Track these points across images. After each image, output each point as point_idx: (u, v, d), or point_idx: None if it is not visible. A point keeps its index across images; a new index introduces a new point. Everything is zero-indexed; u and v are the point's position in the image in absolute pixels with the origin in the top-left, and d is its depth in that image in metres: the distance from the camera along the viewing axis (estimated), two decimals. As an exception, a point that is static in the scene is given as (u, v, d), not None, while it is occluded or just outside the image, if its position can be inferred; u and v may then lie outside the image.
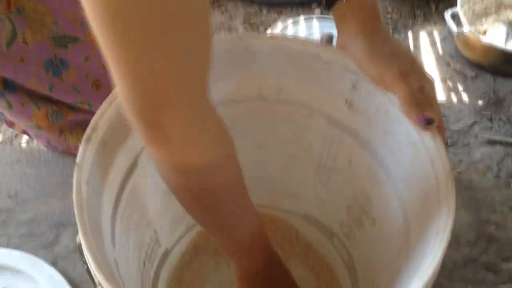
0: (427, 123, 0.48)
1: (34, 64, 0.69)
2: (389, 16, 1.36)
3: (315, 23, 1.26)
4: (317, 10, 1.30)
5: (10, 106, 0.73)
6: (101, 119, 0.47)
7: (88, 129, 0.46)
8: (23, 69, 0.69)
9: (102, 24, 0.31)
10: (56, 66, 0.70)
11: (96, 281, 0.41)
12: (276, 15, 1.31)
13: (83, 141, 0.45)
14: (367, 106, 0.56)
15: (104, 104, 0.48)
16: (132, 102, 0.35)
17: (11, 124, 0.86)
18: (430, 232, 0.46)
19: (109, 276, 0.39)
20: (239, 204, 0.49)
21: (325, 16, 1.28)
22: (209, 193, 0.44)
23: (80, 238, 0.41)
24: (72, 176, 0.81)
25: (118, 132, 0.50)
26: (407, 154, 0.52)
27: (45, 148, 0.86)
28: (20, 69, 0.69)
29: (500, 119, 1.22)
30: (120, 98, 0.36)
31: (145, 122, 0.35)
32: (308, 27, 1.26)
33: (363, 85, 0.55)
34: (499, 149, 1.16)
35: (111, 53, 0.32)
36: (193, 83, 0.35)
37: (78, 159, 0.44)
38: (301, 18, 1.27)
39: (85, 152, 0.45)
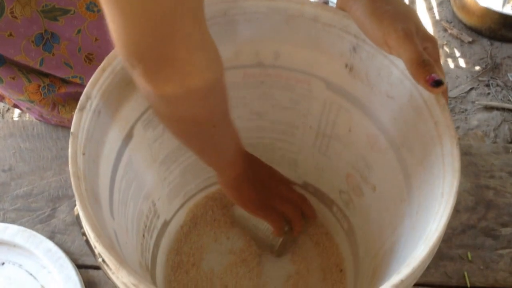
0: (436, 84, 0.46)
1: (24, 39, 0.67)
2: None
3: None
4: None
5: (0, 80, 0.71)
6: (95, 87, 0.45)
7: (82, 97, 0.44)
8: (12, 44, 0.67)
9: None
10: (47, 40, 0.68)
11: (96, 252, 0.40)
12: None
13: (77, 110, 0.43)
14: (368, 70, 0.54)
15: (98, 71, 0.46)
16: (138, 40, 0.37)
17: (1, 98, 0.84)
18: (434, 196, 0.45)
19: (109, 246, 0.38)
20: (225, 123, 0.53)
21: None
22: (203, 116, 0.48)
23: (78, 209, 0.40)
24: (66, 149, 0.79)
25: (112, 101, 0.48)
26: (410, 119, 0.51)
27: (38, 121, 0.84)
28: (9, 44, 0.66)
29: (497, 85, 1.21)
30: (121, 45, 0.38)
31: (152, 56, 0.38)
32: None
33: (364, 47, 0.53)
34: (496, 114, 1.15)
35: (110, 2, 0.35)
36: (195, 10, 0.38)
37: (72, 129, 0.42)
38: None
39: (80, 121, 0.43)
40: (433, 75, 0.44)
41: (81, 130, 0.43)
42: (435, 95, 0.48)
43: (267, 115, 0.68)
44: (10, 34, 0.65)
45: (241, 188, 0.64)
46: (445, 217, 0.40)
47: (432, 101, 0.48)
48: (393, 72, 0.51)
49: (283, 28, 0.56)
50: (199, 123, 0.49)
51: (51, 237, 0.73)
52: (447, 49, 1.34)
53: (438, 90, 0.45)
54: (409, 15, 0.48)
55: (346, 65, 0.56)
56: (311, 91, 0.62)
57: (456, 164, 0.43)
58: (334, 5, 0.56)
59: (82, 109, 0.44)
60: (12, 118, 1.14)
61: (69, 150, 0.41)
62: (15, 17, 0.64)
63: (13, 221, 0.74)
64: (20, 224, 0.73)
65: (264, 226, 0.70)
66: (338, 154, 0.67)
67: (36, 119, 0.85)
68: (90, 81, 0.46)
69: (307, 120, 0.67)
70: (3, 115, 1.14)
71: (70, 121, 0.81)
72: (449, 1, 1.40)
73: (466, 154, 0.87)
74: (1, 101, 0.86)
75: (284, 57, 0.60)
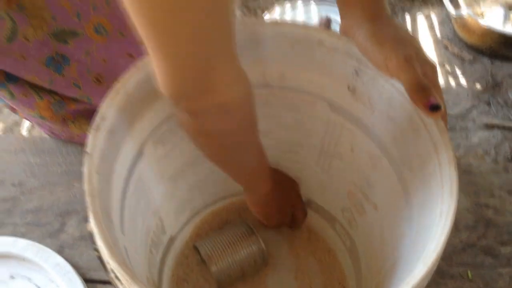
0: (434, 109, 0.48)
1: (35, 61, 0.69)
2: None
3: (313, 6, 1.25)
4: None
5: (12, 96, 0.73)
6: (109, 108, 0.47)
7: (97, 118, 0.46)
8: (24, 65, 0.69)
9: (145, 26, 0.37)
10: (57, 62, 0.70)
11: (108, 268, 0.42)
12: (273, -1, 1.30)
13: (92, 130, 0.45)
14: (369, 93, 0.56)
15: (112, 93, 0.48)
16: (182, 83, 0.41)
17: (13, 110, 0.86)
18: (433, 216, 0.46)
19: (122, 263, 0.39)
20: (255, 143, 0.56)
21: (322, -1, 1.27)
22: (238, 140, 0.52)
23: (92, 226, 0.42)
24: (75, 165, 0.82)
25: (124, 121, 0.50)
26: (410, 140, 0.53)
27: (47, 136, 0.86)
28: (21, 65, 0.69)
29: (498, 103, 1.22)
30: (166, 86, 0.42)
31: (194, 94, 0.42)
32: (306, 11, 1.26)
33: (365, 71, 0.55)
34: (497, 133, 1.16)
35: (156, 44, 0.38)
36: (229, 50, 0.42)
37: (88, 149, 0.44)
38: (299, 1, 1.26)
39: (95, 141, 0.45)
40: (431, 99, 0.46)
41: (95, 150, 0.45)
42: (436, 118, 0.50)
43: (273, 133, 0.70)
44: (22, 56, 0.67)
45: (269, 206, 0.68)
46: (444, 237, 0.42)
47: (431, 123, 0.50)
48: (394, 95, 0.53)
49: (289, 51, 0.59)
50: (235, 147, 0.53)
51: (60, 251, 0.74)
52: (448, 67, 1.36)
53: (436, 114, 0.47)
54: (409, 41, 0.51)
55: (349, 87, 0.58)
56: (316, 111, 0.64)
57: (454, 185, 0.45)
58: (338, 24, 0.58)
59: (97, 129, 0.46)
60: (21, 132, 1.16)
61: (84, 169, 0.43)
62: (28, 40, 0.66)
63: (22, 235, 0.76)
64: (30, 238, 0.75)
65: (245, 258, 0.70)
66: (341, 172, 0.69)
67: (46, 134, 0.87)
68: (104, 101, 0.48)
69: (311, 139, 0.68)
70: (12, 129, 1.16)
71: (79, 136, 0.83)
72: (450, 20, 1.42)
73: (466, 172, 0.88)
74: (14, 112, 0.88)
75: (289, 78, 0.62)
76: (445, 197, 0.45)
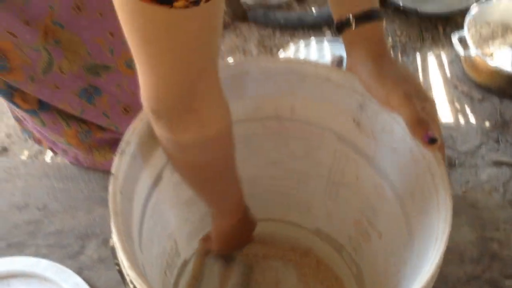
0: (431, 141, 0.52)
1: (69, 91, 0.75)
2: (398, 38, 1.41)
3: (326, 45, 1.31)
4: (328, 33, 1.35)
5: (43, 123, 0.79)
6: (133, 135, 0.52)
7: (122, 143, 0.51)
8: (58, 94, 0.74)
9: (135, 44, 0.40)
10: (90, 94, 0.76)
11: (127, 279, 0.45)
12: (288, 38, 1.36)
13: (118, 154, 0.50)
14: (373, 125, 0.60)
15: (136, 121, 0.53)
16: (166, 97, 0.44)
17: (38, 141, 0.92)
18: (431, 241, 0.50)
19: (141, 274, 0.43)
20: (232, 172, 0.59)
21: (335, 38, 1.33)
22: (213, 163, 0.54)
23: (115, 240, 0.45)
24: (97, 191, 0.86)
25: (146, 147, 0.55)
26: (411, 170, 0.57)
27: (70, 164, 0.91)
28: (54, 95, 0.74)
29: (507, 141, 1.24)
30: (149, 98, 0.44)
31: (176, 109, 0.45)
32: (320, 49, 1.31)
33: (369, 105, 0.59)
34: (506, 170, 1.18)
35: (144, 66, 0.41)
36: (213, 73, 0.45)
37: (113, 170, 0.49)
38: (313, 40, 1.32)
39: (120, 164, 0.50)
40: (428, 133, 0.51)
41: (120, 172, 0.49)
42: (433, 150, 0.54)
43: (283, 163, 0.74)
44: (57, 87, 0.73)
45: (231, 235, 0.70)
46: (437, 259, 0.45)
47: (430, 155, 0.54)
48: (395, 128, 0.57)
49: (299, 85, 0.63)
50: (209, 169, 0.55)
51: (79, 272, 0.78)
52: (458, 106, 1.39)
53: (433, 146, 0.51)
54: (409, 78, 0.55)
55: (354, 120, 0.62)
56: (323, 142, 0.68)
57: (449, 213, 0.48)
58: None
59: (122, 153, 0.50)
60: (46, 159, 1.21)
61: (110, 189, 0.48)
62: (62, 72, 0.72)
63: (44, 256, 0.80)
64: (51, 259, 0.79)
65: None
66: (348, 201, 0.72)
67: (70, 161, 0.92)
68: (129, 128, 0.53)
69: (319, 169, 0.72)
70: (37, 156, 1.21)
71: (102, 164, 0.88)
72: (460, 59, 1.46)
73: (472, 207, 0.90)
74: (39, 144, 0.94)
75: (299, 111, 0.67)
76: (441, 223, 0.48)
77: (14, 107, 0.77)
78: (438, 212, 0.49)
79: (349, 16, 0.58)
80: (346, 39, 0.60)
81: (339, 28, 0.59)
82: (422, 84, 0.57)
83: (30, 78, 0.70)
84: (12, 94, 0.73)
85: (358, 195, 0.68)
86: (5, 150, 1.19)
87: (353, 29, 0.58)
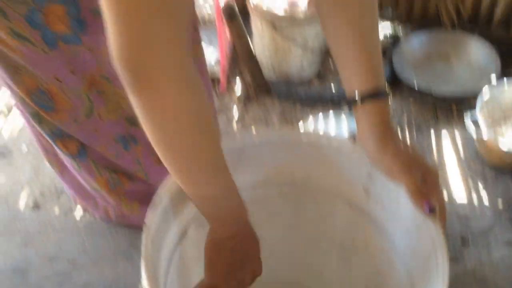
0: (430, 210, 0.57)
1: (107, 136, 0.83)
2: (412, 117, 1.46)
3: (343, 118, 1.38)
4: (346, 107, 1.43)
5: (79, 167, 0.87)
6: (165, 191, 0.59)
7: (156, 197, 0.58)
8: (97, 138, 0.83)
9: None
10: (126, 141, 0.84)
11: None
12: (308, 110, 1.43)
13: (151, 207, 0.57)
14: (381, 193, 0.66)
15: (169, 178, 0.59)
16: (121, 49, 0.44)
17: (75, 201, 0.99)
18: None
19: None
20: (223, 176, 0.56)
21: (351, 112, 1.39)
22: (190, 153, 0.52)
23: (144, 283, 0.51)
24: (122, 246, 0.92)
25: (176, 203, 0.61)
26: (414, 235, 0.62)
27: (98, 220, 0.97)
28: (93, 137, 0.83)
29: (520, 221, 1.25)
30: (116, 54, 0.45)
31: (130, 67, 0.45)
32: (337, 122, 1.38)
33: (377, 175, 0.65)
34: (519, 250, 1.17)
35: (111, 11, 0.43)
36: (173, 33, 0.45)
37: (147, 221, 0.55)
38: (331, 113, 1.40)
39: (152, 216, 0.56)
40: (428, 202, 0.56)
41: (153, 223, 0.55)
42: (432, 218, 0.58)
43: (299, 227, 0.79)
44: (96, 130, 0.82)
45: (222, 252, 0.60)
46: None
47: (430, 221, 0.59)
48: (401, 195, 0.63)
49: (314, 155, 0.70)
50: (187, 160, 0.52)
51: (103, 323, 0.82)
52: (471, 184, 1.41)
53: (432, 215, 0.56)
54: (409, 152, 0.61)
55: (364, 188, 0.68)
56: (336, 208, 0.74)
57: (446, 274, 0.53)
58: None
59: (155, 207, 0.57)
60: (75, 216, 1.26)
61: (143, 237, 0.54)
62: (101, 119, 0.81)
63: (70, 306, 0.85)
64: (76, 309, 0.83)
65: None
66: (358, 266, 0.76)
67: (99, 217, 0.98)
68: (162, 185, 0.59)
69: (332, 234, 0.77)
70: (66, 213, 1.27)
71: (129, 218, 0.93)
72: (473, 139, 1.48)
73: (482, 280, 0.92)
74: (75, 202, 1.00)
75: (314, 179, 0.73)
76: (439, 282, 0.53)
77: (57, 150, 0.85)
78: (437, 272, 0.54)
79: (355, 93, 0.63)
80: (356, 114, 0.65)
81: (349, 103, 0.64)
82: (423, 156, 0.62)
83: (74, 120, 0.79)
84: (55, 140, 0.82)
85: (368, 260, 0.73)
86: (37, 206, 1.26)
87: (359, 105, 0.63)
